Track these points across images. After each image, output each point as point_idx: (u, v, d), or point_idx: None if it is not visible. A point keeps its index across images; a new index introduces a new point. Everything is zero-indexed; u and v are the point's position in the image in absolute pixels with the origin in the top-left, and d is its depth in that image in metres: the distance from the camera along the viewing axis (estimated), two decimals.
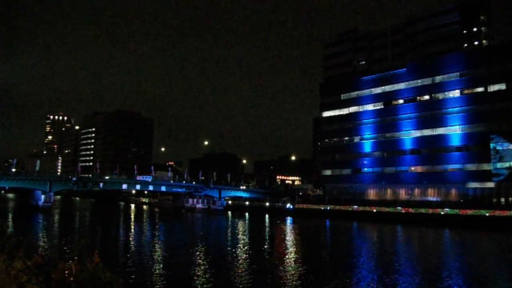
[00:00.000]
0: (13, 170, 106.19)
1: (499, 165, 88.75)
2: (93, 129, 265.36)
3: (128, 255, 40.73)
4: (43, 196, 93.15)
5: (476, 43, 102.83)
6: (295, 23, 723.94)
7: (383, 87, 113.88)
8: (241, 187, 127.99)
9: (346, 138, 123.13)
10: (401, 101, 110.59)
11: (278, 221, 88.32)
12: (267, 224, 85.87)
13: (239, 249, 46.94)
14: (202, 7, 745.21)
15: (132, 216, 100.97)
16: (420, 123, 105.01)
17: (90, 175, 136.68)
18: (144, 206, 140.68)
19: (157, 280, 28.70)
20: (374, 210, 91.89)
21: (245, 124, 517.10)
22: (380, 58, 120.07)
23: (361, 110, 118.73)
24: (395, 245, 55.30)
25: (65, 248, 40.85)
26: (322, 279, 30.17)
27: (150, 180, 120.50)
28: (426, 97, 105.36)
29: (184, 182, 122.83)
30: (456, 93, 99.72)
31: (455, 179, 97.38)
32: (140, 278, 28.88)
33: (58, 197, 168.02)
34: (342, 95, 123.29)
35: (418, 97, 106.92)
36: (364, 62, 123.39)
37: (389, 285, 29.23)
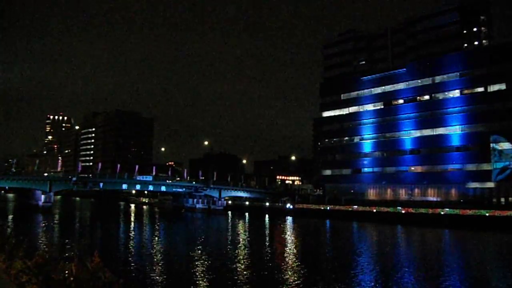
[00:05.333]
0: (13, 170, 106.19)
1: (499, 165, 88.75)
2: (93, 129, 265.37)
3: (128, 255, 40.74)
4: (43, 196, 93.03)
5: (476, 43, 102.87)
6: (295, 23, 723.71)
7: (383, 87, 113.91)
8: (241, 187, 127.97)
9: (346, 138, 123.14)
10: (401, 101, 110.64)
11: (278, 221, 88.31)
12: (267, 224, 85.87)
13: (239, 249, 46.95)
14: (203, 7, 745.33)
15: (132, 216, 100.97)
16: (420, 123, 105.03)
17: (90, 175, 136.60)
18: (144, 206, 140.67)
19: (157, 280, 28.70)
20: (374, 210, 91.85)
21: (245, 124, 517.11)
22: (380, 58, 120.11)
23: (361, 110, 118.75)
24: (395, 245, 55.29)
25: (65, 248, 40.85)
26: (322, 279, 30.18)
27: (150, 180, 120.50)
28: (426, 97, 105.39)
29: (184, 182, 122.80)
30: (456, 93, 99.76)
31: (455, 179, 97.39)
32: (140, 278, 28.88)
33: (58, 197, 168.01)
34: (342, 95, 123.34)
35: (418, 97, 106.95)
36: (364, 62, 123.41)
37: (389, 285, 29.23)
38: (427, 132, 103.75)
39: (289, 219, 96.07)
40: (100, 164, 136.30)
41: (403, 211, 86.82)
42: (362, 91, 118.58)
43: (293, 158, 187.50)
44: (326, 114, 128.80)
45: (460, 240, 62.45)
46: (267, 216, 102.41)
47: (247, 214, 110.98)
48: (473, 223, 72.79)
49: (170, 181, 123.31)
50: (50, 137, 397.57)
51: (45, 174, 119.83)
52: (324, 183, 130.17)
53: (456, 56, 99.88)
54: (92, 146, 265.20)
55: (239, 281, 28.85)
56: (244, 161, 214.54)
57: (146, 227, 72.51)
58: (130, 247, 46.63)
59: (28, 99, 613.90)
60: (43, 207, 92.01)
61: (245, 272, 32.37)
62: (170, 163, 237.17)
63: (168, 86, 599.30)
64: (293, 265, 36.31)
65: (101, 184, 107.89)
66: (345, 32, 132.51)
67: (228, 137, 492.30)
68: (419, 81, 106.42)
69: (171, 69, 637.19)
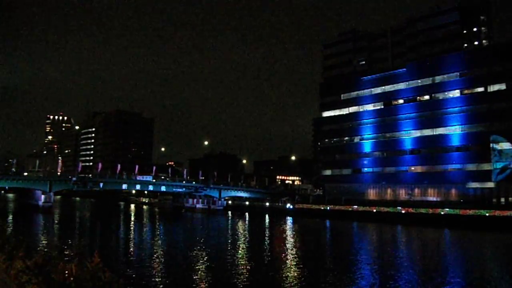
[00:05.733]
0: (13, 170, 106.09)
1: (499, 165, 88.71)
2: (93, 129, 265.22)
3: (128, 255, 40.73)
4: (43, 196, 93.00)
5: (476, 43, 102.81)
6: (295, 23, 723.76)
7: (383, 87, 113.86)
8: (241, 187, 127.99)
9: (346, 138, 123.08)
10: (401, 101, 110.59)
11: (278, 221, 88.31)
12: (267, 224, 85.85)
13: (239, 249, 46.95)
14: (202, 8, 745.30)
15: (132, 216, 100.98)
16: (420, 123, 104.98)
17: (90, 175, 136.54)
18: (144, 206, 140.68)
19: (157, 280, 28.70)
20: (374, 210, 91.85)
21: (245, 124, 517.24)
22: (380, 58, 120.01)
23: (361, 110, 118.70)
24: (395, 245, 55.29)
25: (65, 248, 40.84)
26: (322, 279, 30.17)
27: (150, 180, 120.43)
28: (426, 97, 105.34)
29: (184, 182, 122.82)
30: (456, 93, 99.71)
31: (455, 179, 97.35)
32: (140, 278, 28.87)
33: (58, 197, 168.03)
34: (342, 95, 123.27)
35: (418, 97, 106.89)
36: (364, 62, 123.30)
37: (390, 285, 29.22)
38: (427, 132, 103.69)
39: (289, 219, 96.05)
40: (100, 164, 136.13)
41: (403, 211, 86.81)
42: (362, 91, 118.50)
43: (293, 158, 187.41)
44: (326, 114, 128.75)
45: (460, 240, 62.44)
46: (267, 216, 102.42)
47: (247, 214, 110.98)
48: (473, 223, 72.79)
49: (170, 181, 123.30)
50: (50, 137, 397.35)
51: (45, 174, 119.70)
52: (324, 183, 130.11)
53: (456, 56, 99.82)
54: (92, 146, 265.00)
55: (239, 281, 28.84)
56: (244, 161, 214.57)
57: (146, 227, 72.50)
58: (130, 247, 46.62)
59: (28, 99, 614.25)
60: (43, 207, 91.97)
61: (245, 273, 32.36)
62: (170, 163, 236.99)
63: (168, 86, 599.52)
64: (293, 265, 36.30)
65: (101, 184, 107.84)
66: (345, 32, 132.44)
67: (228, 137, 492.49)
68: (419, 81, 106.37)
69: (171, 69, 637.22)
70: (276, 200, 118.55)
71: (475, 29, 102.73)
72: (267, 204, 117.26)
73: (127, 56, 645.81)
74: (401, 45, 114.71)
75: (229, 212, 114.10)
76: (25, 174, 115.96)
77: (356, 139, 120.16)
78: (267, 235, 66.22)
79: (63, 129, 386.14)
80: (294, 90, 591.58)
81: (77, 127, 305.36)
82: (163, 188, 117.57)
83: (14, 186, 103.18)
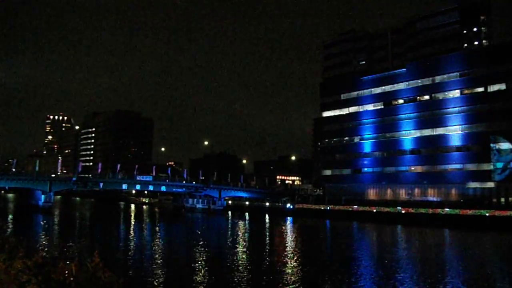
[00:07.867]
0: (13, 170, 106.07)
1: (499, 165, 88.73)
2: (93, 129, 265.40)
3: (128, 255, 40.73)
4: (43, 196, 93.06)
5: (476, 43, 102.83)
6: (295, 23, 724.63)
7: (383, 87, 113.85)
8: (241, 187, 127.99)
9: (346, 138, 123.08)
10: (401, 101, 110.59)
11: (278, 221, 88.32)
12: (267, 224, 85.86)
13: (239, 249, 46.95)
14: (202, 7, 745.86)
15: (132, 216, 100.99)
16: (420, 123, 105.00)
17: (90, 175, 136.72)
18: (144, 206, 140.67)
19: (157, 280, 28.70)
20: (374, 210, 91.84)
21: (245, 124, 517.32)
22: (380, 58, 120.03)
23: (361, 110, 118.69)
24: (395, 245, 55.27)
25: (65, 248, 40.84)
26: (322, 280, 30.17)
27: (150, 180, 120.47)
28: (426, 97, 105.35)
29: (184, 182, 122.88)
30: (456, 93, 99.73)
31: (455, 179, 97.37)
32: (140, 278, 28.88)
33: (58, 197, 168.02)
34: (342, 95, 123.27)
35: (418, 97, 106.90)
36: (364, 62, 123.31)
37: (390, 285, 29.22)
38: (427, 132, 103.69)
39: (289, 219, 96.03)
40: (100, 164, 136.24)
41: (403, 211, 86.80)
42: (362, 91, 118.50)
43: (293, 158, 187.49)
44: (326, 114, 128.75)
45: (460, 240, 62.44)
46: (267, 216, 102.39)
47: (247, 214, 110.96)
48: (473, 223, 72.79)
49: (170, 181, 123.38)
50: (50, 137, 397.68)
51: (45, 174, 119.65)
52: (324, 183, 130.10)
53: (456, 56, 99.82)
54: (92, 146, 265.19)
55: (239, 282, 28.84)
56: (244, 161, 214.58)
57: (146, 227, 72.51)
58: (130, 247, 46.62)
59: (28, 99, 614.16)
60: (43, 207, 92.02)
61: (245, 273, 32.36)
62: (170, 163, 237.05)
63: (168, 86, 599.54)
64: (293, 266, 36.29)
65: (101, 184, 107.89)
66: (345, 32, 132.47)
67: (228, 137, 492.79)
68: (419, 81, 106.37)
69: (172, 69, 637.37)
70: (276, 200, 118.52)
71: (475, 29, 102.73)
72: (267, 204, 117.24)
73: (127, 56, 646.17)
74: (401, 45, 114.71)
75: (229, 212, 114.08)
76: (25, 174, 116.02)
77: (356, 139, 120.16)
78: (267, 235, 66.22)
79: (63, 129, 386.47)
80: (294, 90, 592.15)
81: (77, 127, 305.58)
82: (163, 188, 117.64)
83: (14, 186, 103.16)
